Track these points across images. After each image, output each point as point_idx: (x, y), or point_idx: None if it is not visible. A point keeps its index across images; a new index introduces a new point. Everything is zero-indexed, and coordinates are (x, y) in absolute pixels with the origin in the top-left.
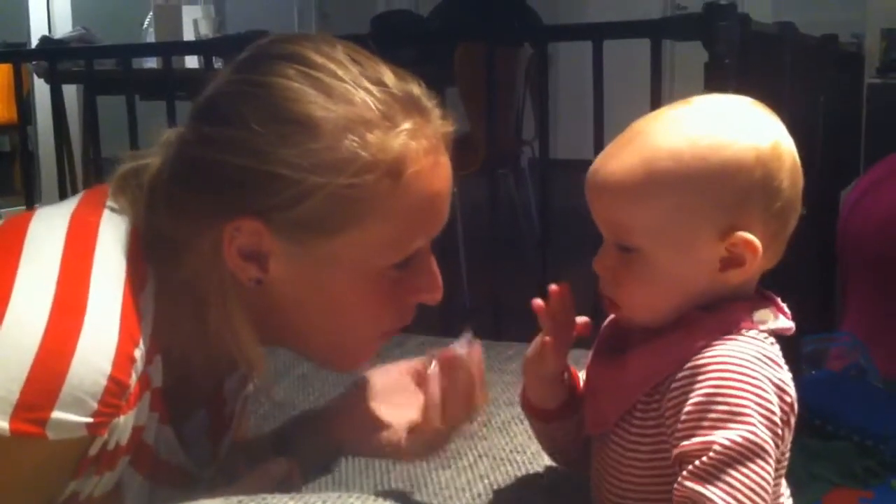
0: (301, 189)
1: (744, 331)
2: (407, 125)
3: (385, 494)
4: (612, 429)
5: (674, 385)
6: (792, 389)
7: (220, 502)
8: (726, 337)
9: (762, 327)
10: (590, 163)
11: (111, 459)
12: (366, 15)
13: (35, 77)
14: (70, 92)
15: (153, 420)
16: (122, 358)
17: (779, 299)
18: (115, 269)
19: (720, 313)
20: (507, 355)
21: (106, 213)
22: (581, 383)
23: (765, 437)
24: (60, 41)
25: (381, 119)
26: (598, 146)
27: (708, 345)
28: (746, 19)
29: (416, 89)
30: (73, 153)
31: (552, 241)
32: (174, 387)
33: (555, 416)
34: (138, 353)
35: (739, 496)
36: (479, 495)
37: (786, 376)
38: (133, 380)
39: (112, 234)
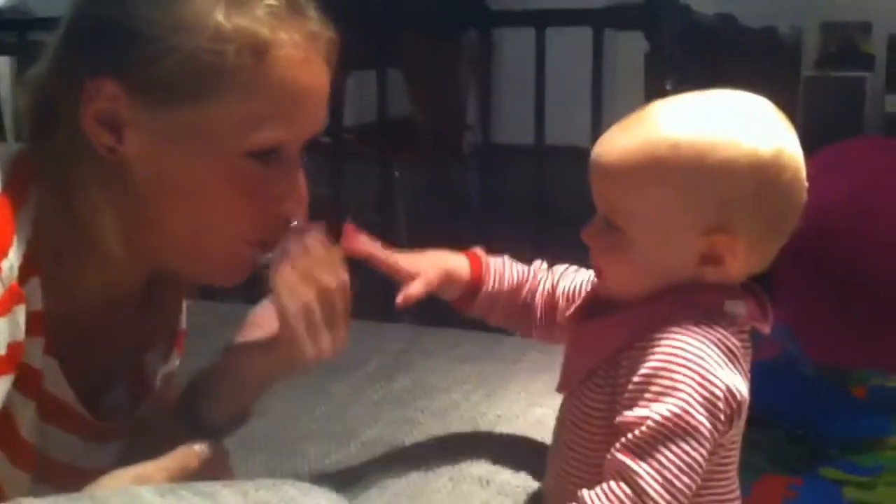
0: (160, 48)
1: (707, 314)
2: (277, 11)
3: (319, 482)
4: (574, 391)
5: (628, 355)
6: (742, 387)
7: (151, 491)
8: (688, 317)
9: (727, 315)
10: (531, 148)
11: None
12: None
13: None
14: (3, 64)
15: (36, 346)
16: None
17: (763, 295)
18: None
19: (689, 295)
20: (447, 341)
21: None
22: (484, 266)
23: (700, 418)
24: None
25: (251, 0)
26: (540, 131)
27: (668, 322)
28: (687, 10)
29: None
30: (3, 125)
31: (493, 226)
32: (76, 333)
33: (460, 304)
34: (6, 265)
35: (667, 474)
36: (416, 481)
37: (738, 369)
38: None
39: None
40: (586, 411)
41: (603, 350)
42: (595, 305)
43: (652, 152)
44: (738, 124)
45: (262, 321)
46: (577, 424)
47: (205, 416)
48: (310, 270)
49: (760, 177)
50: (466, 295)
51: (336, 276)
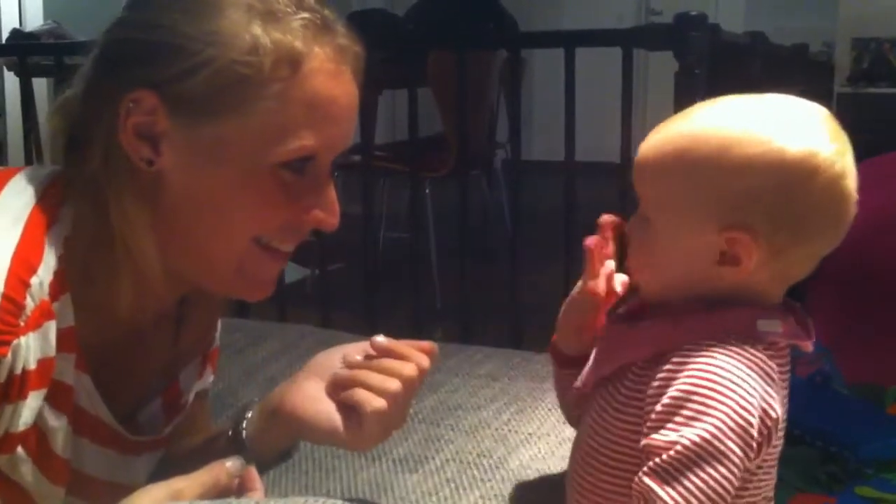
0: (196, 60)
1: (739, 335)
2: (311, 25)
3: (351, 499)
4: (597, 398)
5: (659, 375)
6: (777, 406)
7: None
8: (718, 339)
9: (762, 335)
10: (561, 164)
11: (20, 387)
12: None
13: (5, 69)
14: (41, 85)
15: (67, 362)
16: (14, 279)
17: (802, 312)
18: (18, 205)
19: (719, 313)
20: (476, 359)
21: (31, 167)
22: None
23: (730, 444)
24: (31, 34)
25: (286, 14)
26: (570, 148)
27: (699, 341)
28: (716, 29)
29: (329, 12)
30: (41, 146)
31: (523, 244)
32: (110, 350)
33: (569, 363)
34: (35, 281)
35: (693, 501)
36: (446, 499)
37: (774, 392)
38: (29, 303)
39: (26, 176)
40: (602, 423)
41: (614, 360)
42: (628, 313)
43: (680, 141)
44: (774, 124)
45: (320, 370)
46: (593, 435)
47: (252, 449)
48: (393, 365)
49: (784, 177)
50: (587, 356)
51: (419, 363)
